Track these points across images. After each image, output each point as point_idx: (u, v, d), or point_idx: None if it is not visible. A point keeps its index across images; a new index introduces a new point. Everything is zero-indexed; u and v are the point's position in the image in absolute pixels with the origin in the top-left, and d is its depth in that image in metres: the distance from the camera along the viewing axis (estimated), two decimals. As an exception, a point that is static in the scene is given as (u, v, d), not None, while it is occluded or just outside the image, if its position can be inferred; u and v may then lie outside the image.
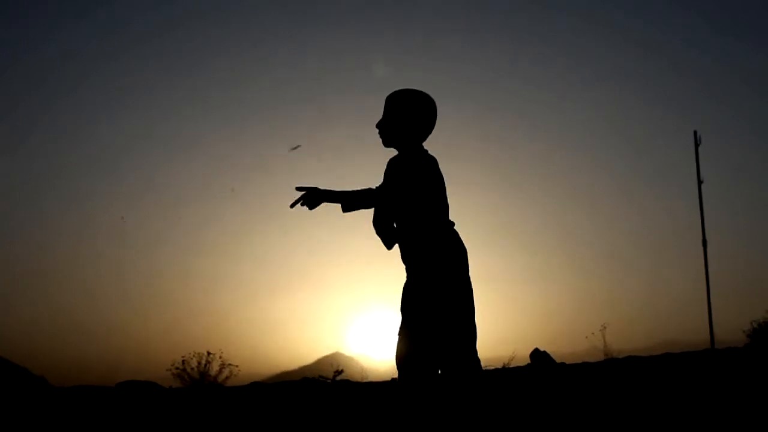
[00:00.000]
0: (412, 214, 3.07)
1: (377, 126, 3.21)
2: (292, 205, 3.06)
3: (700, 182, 11.21)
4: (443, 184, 3.14)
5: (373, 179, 3.31)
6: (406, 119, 3.14)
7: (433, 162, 3.14)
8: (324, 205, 3.12)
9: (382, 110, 3.24)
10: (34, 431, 4.87)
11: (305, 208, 3.07)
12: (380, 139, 3.23)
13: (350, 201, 3.09)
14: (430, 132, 3.19)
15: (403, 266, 3.16)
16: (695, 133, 11.37)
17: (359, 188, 3.15)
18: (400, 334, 3.07)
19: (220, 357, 10.22)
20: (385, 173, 3.17)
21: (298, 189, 3.06)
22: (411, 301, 3.07)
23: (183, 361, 10.19)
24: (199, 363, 10.19)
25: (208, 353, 10.25)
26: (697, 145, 11.28)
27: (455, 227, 3.16)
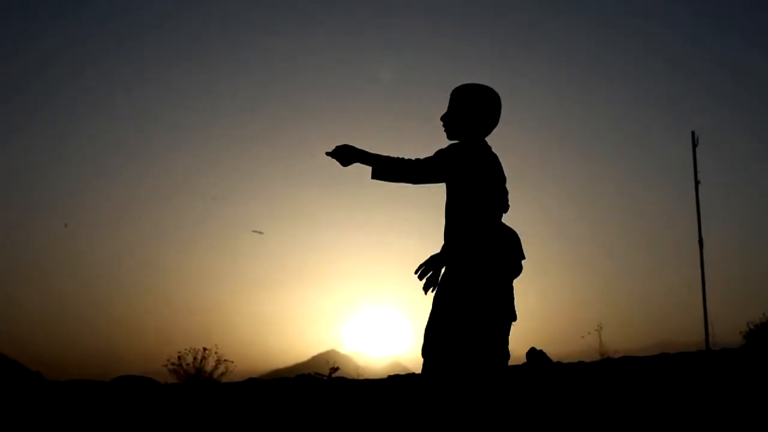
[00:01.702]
0: (464, 207, 3.03)
1: (442, 119, 3.21)
2: (327, 154, 3.09)
3: (697, 183, 11.19)
4: (502, 181, 3.12)
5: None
6: (471, 113, 3.13)
7: (494, 158, 3.13)
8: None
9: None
10: (31, 426, 4.86)
11: (337, 163, 3.10)
12: (444, 132, 3.20)
13: (383, 166, 3.07)
14: (494, 127, 3.18)
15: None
16: (693, 134, 11.35)
17: (393, 156, 3.10)
18: (427, 326, 3.05)
19: (216, 353, 10.23)
20: (439, 150, 3.11)
21: (328, 154, 3.08)
22: (441, 295, 3.04)
23: (179, 356, 10.19)
24: (195, 359, 10.20)
25: (204, 349, 10.26)
26: (694, 145, 11.26)
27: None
